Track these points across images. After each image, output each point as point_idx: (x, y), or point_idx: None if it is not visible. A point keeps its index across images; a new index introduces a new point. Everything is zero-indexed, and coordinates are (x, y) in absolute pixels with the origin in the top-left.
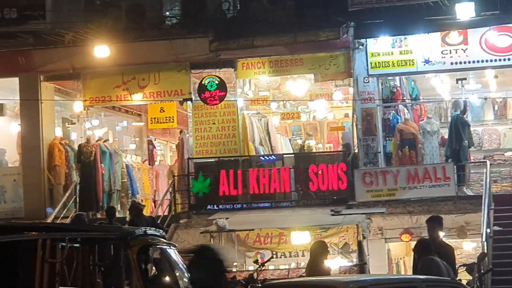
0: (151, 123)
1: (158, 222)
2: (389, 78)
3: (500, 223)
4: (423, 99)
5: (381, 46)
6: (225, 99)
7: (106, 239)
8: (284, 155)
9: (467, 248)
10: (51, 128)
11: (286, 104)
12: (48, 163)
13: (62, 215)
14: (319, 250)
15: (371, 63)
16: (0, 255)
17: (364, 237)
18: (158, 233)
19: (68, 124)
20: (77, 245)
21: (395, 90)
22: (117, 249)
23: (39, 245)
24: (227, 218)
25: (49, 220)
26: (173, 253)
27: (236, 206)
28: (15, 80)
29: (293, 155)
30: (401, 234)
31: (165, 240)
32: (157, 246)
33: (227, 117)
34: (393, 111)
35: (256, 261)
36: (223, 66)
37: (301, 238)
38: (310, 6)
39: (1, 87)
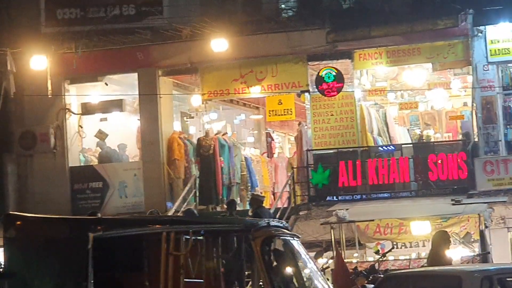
0: (269, 116)
1: (278, 215)
2: (509, 65)
3: None
4: None
5: (500, 33)
6: (342, 90)
7: (230, 231)
8: (403, 145)
9: None
10: (170, 123)
11: (404, 94)
12: (167, 157)
13: (182, 209)
14: (441, 240)
15: (490, 50)
16: (126, 248)
17: (486, 227)
18: (281, 225)
19: (187, 118)
20: (201, 237)
21: None
22: (241, 241)
23: (163, 238)
24: (347, 209)
25: (169, 214)
26: (296, 244)
27: (355, 197)
28: (134, 76)
29: (411, 145)
30: None
31: (288, 232)
32: (281, 238)
33: (345, 108)
34: None
35: (377, 252)
36: (340, 57)
37: (421, 228)
38: None
39: (121, 83)
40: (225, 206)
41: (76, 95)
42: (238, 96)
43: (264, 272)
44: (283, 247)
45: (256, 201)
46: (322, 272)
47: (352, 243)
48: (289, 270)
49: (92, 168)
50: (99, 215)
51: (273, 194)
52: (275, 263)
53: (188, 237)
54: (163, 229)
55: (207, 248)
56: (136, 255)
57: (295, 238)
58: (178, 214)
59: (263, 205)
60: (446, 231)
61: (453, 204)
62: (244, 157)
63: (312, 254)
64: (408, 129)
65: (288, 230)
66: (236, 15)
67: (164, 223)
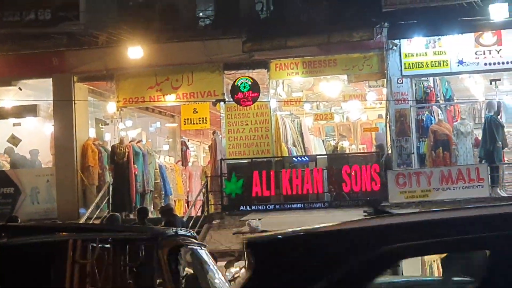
0: (184, 124)
1: (191, 223)
2: (422, 79)
3: None
4: (456, 100)
5: (414, 47)
6: (258, 100)
7: (137, 240)
8: (317, 156)
9: None
10: (85, 129)
11: (319, 105)
12: (81, 164)
13: (95, 216)
14: None
15: (404, 63)
16: (32, 255)
17: None
18: (189, 234)
19: (102, 125)
20: (108, 245)
21: (428, 91)
22: (148, 249)
23: (70, 245)
24: (260, 219)
25: (82, 221)
26: (204, 254)
27: (268, 207)
28: (49, 81)
29: (326, 156)
30: None
31: (196, 241)
32: (188, 247)
33: (260, 118)
34: (427, 112)
35: None
36: (256, 67)
37: None
38: (343, 7)
39: (35, 88)
40: (137, 214)
41: None
42: (153, 104)
43: (171, 282)
44: (191, 257)
45: (166, 212)
46: (233, 282)
47: None
48: (196, 279)
49: (4, 173)
50: (19, 220)
51: (187, 202)
52: (181, 273)
53: (95, 245)
54: (70, 237)
55: (114, 256)
56: (42, 263)
57: (202, 248)
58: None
59: (175, 213)
60: None
61: (365, 216)
62: (159, 165)
63: (224, 263)
64: (323, 140)
65: (195, 239)
66: (153, 22)
67: (71, 231)
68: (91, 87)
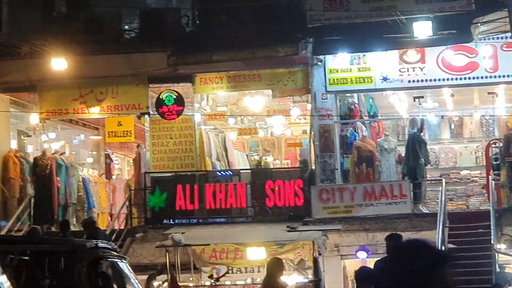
0: (109, 137)
1: (114, 236)
2: (347, 95)
3: (454, 241)
4: (381, 116)
5: (339, 63)
6: (182, 114)
7: (56, 252)
8: (241, 171)
9: None
10: (6, 141)
11: (244, 119)
12: (2, 175)
13: (16, 228)
14: (275, 267)
15: (329, 79)
16: None
17: (320, 254)
18: (110, 246)
19: (24, 136)
20: (27, 257)
21: (353, 107)
22: (68, 262)
23: None
24: (183, 233)
25: (3, 233)
26: (125, 267)
27: (192, 220)
28: None
29: (249, 171)
30: (357, 251)
31: (116, 253)
32: (108, 260)
33: (184, 131)
34: (351, 128)
35: (211, 276)
36: (181, 80)
37: (256, 254)
38: (269, 22)
39: None
40: (59, 226)
41: None
42: (77, 116)
43: None
44: (111, 269)
45: (88, 225)
46: None
47: (187, 267)
48: None
49: None
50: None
51: (110, 215)
52: (101, 285)
53: (13, 256)
54: None
55: (33, 268)
56: None
57: (123, 260)
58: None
59: (98, 226)
60: (280, 259)
61: (288, 231)
62: (82, 177)
63: (146, 276)
64: (247, 155)
65: (116, 252)
66: (77, 34)
67: None
68: (13, 98)
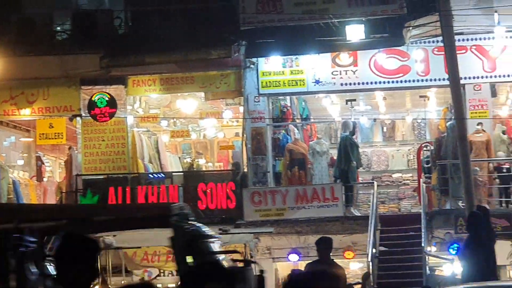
0: (40, 139)
1: None
2: (279, 97)
3: (386, 243)
4: (313, 119)
5: (272, 66)
6: (115, 116)
7: None
8: (173, 173)
9: (354, 268)
10: None
11: (176, 122)
12: None
13: None
14: None
15: (262, 82)
16: None
17: (251, 257)
18: None
19: None
20: None
21: (285, 109)
22: None
23: None
24: (114, 236)
25: None
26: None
27: None
28: None
29: (182, 173)
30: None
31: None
32: None
33: (117, 134)
34: (283, 131)
35: (142, 279)
36: (113, 82)
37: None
38: (202, 25)
39: None
40: None
41: None
42: (7, 118)
43: None
44: None
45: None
46: None
47: (119, 269)
48: None
49: None
50: None
51: None
52: None
53: None
54: None
55: None
56: None
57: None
58: None
59: None
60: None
61: (220, 234)
62: (12, 180)
63: None
64: (179, 157)
65: None
66: (8, 35)
67: None
68: None
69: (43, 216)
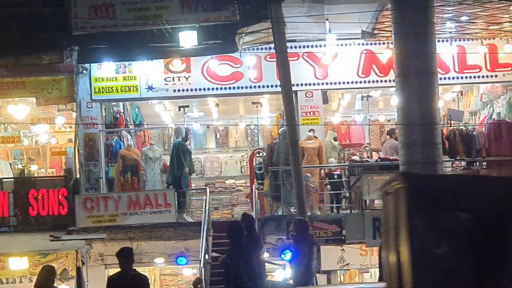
0: None
1: None
2: (112, 103)
3: (218, 249)
4: (146, 125)
5: (105, 72)
6: None
7: None
8: (4, 179)
9: (187, 274)
10: None
11: (7, 127)
12: None
13: None
14: (45, 275)
15: (94, 88)
16: None
17: (83, 263)
18: None
19: None
20: None
21: (118, 116)
22: None
23: None
24: None
25: None
26: None
27: None
28: None
29: (12, 180)
30: None
31: None
32: None
33: None
34: (116, 137)
35: None
36: None
37: (19, 264)
38: (33, 29)
39: None
40: None
41: None
42: None
43: None
44: None
45: None
46: None
47: None
48: None
49: None
50: None
51: None
52: None
53: None
54: None
55: None
56: None
57: None
58: None
59: None
60: (53, 266)
61: (51, 240)
62: None
63: None
64: (10, 164)
65: None
66: None
67: None
68: None
69: None
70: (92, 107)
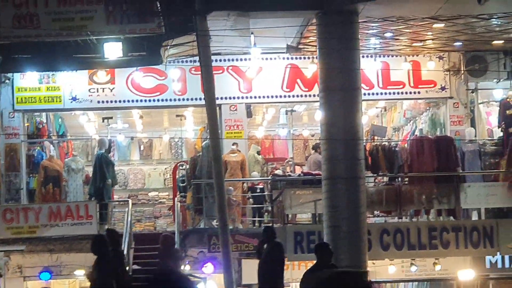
0: None
1: None
2: (35, 114)
3: (140, 262)
4: (69, 136)
5: (28, 81)
6: None
7: None
8: None
9: None
10: None
11: None
12: None
13: None
14: None
15: (17, 98)
16: None
17: (1, 275)
18: None
19: None
20: None
21: (41, 126)
22: None
23: None
24: None
25: None
26: None
27: None
28: None
29: None
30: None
31: None
32: None
33: None
34: (38, 148)
35: None
36: None
37: None
38: None
39: None
40: None
41: None
42: None
43: None
44: None
45: None
46: None
47: None
48: None
49: None
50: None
51: None
52: None
53: None
54: None
55: None
56: None
57: None
58: None
59: None
60: None
61: None
62: None
63: None
64: None
65: None
66: None
67: None
68: None
69: None
70: (14, 117)
